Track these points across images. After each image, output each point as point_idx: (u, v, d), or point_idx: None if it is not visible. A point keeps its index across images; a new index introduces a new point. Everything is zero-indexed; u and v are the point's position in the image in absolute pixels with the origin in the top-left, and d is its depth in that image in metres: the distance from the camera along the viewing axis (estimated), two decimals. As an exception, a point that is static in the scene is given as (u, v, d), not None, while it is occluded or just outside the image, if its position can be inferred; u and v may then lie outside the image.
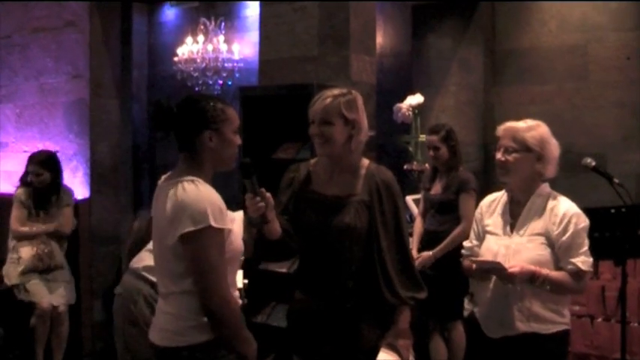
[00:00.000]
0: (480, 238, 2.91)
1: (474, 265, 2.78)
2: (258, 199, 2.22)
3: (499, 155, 2.79)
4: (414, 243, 4.45)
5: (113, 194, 5.82)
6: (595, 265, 3.61)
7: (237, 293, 2.26)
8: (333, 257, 2.42)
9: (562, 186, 2.95)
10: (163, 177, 2.32)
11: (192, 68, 6.93)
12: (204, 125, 2.14)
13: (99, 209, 5.71)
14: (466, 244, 2.97)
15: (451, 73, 6.37)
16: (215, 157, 2.16)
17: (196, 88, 6.86)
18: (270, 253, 2.49)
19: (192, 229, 2.00)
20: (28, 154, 5.25)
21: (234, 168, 2.24)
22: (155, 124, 2.21)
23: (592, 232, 2.76)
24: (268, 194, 2.27)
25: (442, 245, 4.30)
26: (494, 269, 2.68)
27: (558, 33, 6.13)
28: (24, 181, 5.12)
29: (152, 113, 2.18)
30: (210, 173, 2.19)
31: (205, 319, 2.07)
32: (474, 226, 2.96)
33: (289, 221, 2.46)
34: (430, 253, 4.26)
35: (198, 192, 2.05)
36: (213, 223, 2.01)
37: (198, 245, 2.01)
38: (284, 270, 4.15)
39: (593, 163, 3.43)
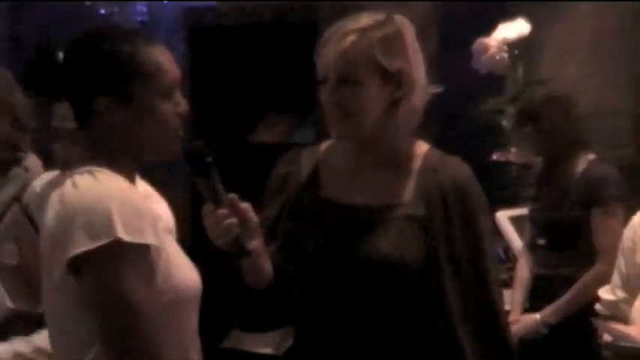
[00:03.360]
0: (631, 287, 2.63)
1: (611, 338, 2.50)
2: (222, 211, 1.90)
3: None
4: (513, 295, 3.82)
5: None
6: None
7: None
8: (359, 315, 2.09)
9: None
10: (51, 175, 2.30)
11: None
12: (100, 89, 1.84)
13: None
14: (605, 294, 2.68)
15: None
16: (128, 139, 1.86)
17: (101, 11, 5.80)
18: (251, 314, 2.37)
19: (86, 248, 1.69)
20: None
21: (178, 157, 1.90)
22: (34, 84, 2.05)
23: None
24: (245, 204, 1.94)
25: (560, 303, 3.62)
26: None
27: None
28: None
29: (27, 67, 2.07)
30: (130, 164, 1.88)
31: None
32: (620, 263, 2.68)
33: (282, 253, 2.12)
34: (537, 316, 3.63)
35: (97, 187, 1.77)
36: (122, 235, 1.69)
37: (101, 275, 1.71)
38: (268, 350, 3.80)
39: None
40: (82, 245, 1.74)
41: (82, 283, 1.77)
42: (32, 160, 4.32)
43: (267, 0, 3.97)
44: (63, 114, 2.58)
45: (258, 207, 2.11)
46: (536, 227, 3.67)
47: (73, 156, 2.50)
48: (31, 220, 2.62)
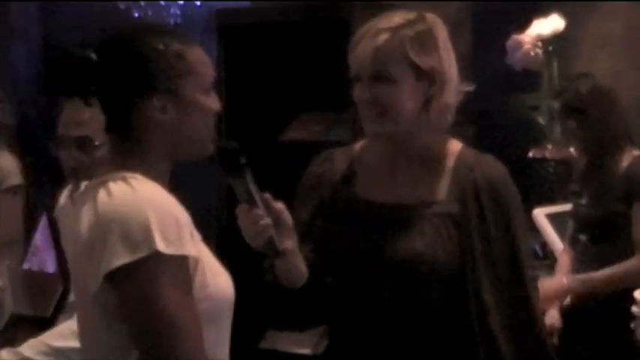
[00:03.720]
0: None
1: None
2: (258, 211, 1.91)
3: None
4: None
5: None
6: None
7: None
8: (394, 314, 2.11)
9: None
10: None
11: None
12: (149, 86, 1.80)
13: None
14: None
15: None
16: (171, 138, 1.84)
17: (135, 14, 5.76)
18: (286, 314, 2.27)
19: (125, 260, 1.67)
20: None
21: (208, 156, 1.90)
22: (60, 86, 1.89)
23: None
24: (279, 204, 1.94)
25: (590, 276, 3.55)
26: None
27: None
28: None
29: (52, 68, 1.91)
30: (164, 166, 1.86)
31: None
32: None
33: (317, 253, 2.13)
34: (564, 280, 3.60)
35: (133, 196, 1.74)
36: (162, 247, 1.67)
37: (140, 289, 1.69)
38: (307, 351, 3.77)
39: None
40: (121, 258, 1.74)
41: (120, 296, 1.76)
42: (4, 159, 4.25)
43: (302, 2, 3.95)
44: (68, 121, 2.55)
45: (290, 206, 2.12)
46: (578, 223, 3.66)
47: (81, 163, 2.50)
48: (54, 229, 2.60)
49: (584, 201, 3.61)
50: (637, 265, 3.42)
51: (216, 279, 1.87)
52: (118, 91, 1.84)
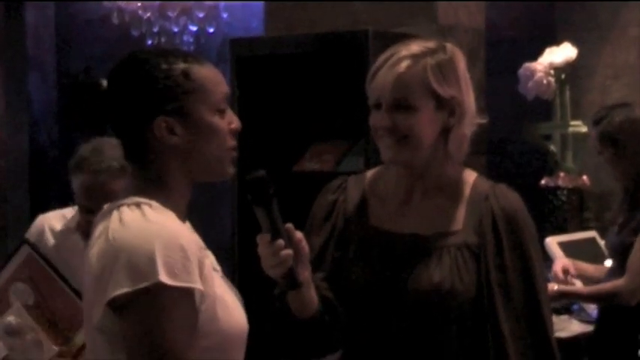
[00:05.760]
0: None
1: None
2: (280, 242, 1.89)
3: None
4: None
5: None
6: None
7: None
8: (411, 346, 2.10)
9: None
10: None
11: (139, 4, 5.49)
12: (155, 106, 1.77)
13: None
14: None
15: (630, 5, 5.21)
16: (184, 160, 1.81)
17: (149, 41, 5.58)
18: (297, 344, 2.18)
19: (127, 289, 1.66)
20: None
21: (227, 178, 1.89)
22: (77, 115, 2.06)
23: None
24: (300, 234, 1.95)
25: (582, 290, 3.68)
26: None
27: None
28: None
29: (72, 99, 2.14)
30: (183, 189, 1.84)
31: None
32: None
33: (329, 282, 2.13)
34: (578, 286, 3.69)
35: (143, 224, 1.72)
36: (164, 279, 1.66)
37: (142, 319, 1.67)
38: None
39: None
40: (123, 286, 1.72)
41: (121, 325, 1.75)
42: None
43: (314, 31, 3.90)
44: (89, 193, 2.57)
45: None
46: (607, 248, 3.68)
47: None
48: (45, 259, 2.64)
49: (615, 229, 3.61)
50: (622, 287, 3.46)
51: (227, 313, 1.85)
52: (127, 115, 1.83)
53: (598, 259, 3.98)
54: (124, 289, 1.69)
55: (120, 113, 1.84)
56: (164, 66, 1.82)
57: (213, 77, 1.88)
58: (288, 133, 3.82)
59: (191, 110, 1.83)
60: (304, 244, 1.97)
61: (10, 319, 2.87)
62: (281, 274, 1.94)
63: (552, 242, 3.97)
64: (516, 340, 2.10)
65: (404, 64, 2.08)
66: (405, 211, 2.16)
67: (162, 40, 5.45)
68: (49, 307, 3.08)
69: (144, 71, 1.82)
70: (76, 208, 2.86)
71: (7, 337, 2.88)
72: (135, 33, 5.52)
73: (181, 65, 1.84)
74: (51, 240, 2.91)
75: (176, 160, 1.84)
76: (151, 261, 1.70)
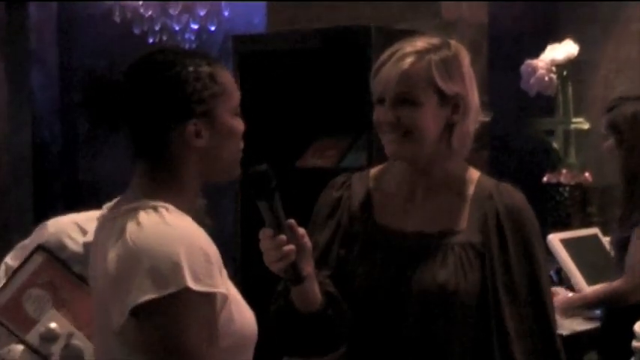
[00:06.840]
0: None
1: None
2: (283, 236, 1.89)
3: None
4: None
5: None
6: None
7: None
8: (414, 343, 2.08)
9: None
10: (105, 208, 2.16)
11: (141, 3, 5.48)
12: (185, 109, 1.76)
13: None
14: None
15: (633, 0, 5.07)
16: (204, 162, 1.81)
17: (150, 40, 5.52)
18: (300, 340, 2.14)
19: (153, 296, 1.64)
20: None
21: (233, 178, 1.90)
22: (90, 114, 1.81)
23: None
24: (302, 230, 1.94)
25: (586, 294, 3.71)
26: None
27: None
28: None
29: (85, 94, 1.81)
30: (194, 190, 1.84)
31: None
32: None
33: (333, 280, 2.10)
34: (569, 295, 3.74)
35: (164, 229, 1.70)
36: (191, 284, 1.65)
37: (166, 325, 1.65)
38: None
39: None
40: (148, 293, 1.70)
41: (144, 330, 1.73)
42: None
43: (316, 27, 3.93)
44: None
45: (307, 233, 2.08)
46: (613, 244, 3.70)
47: None
48: (64, 264, 2.64)
49: (617, 224, 3.62)
50: (621, 287, 3.49)
51: (241, 315, 1.85)
52: (153, 116, 1.80)
53: (600, 255, 3.95)
54: (150, 296, 1.68)
55: (145, 114, 1.81)
56: (191, 68, 1.81)
57: (232, 81, 1.88)
58: (290, 129, 3.81)
59: (216, 113, 1.83)
60: (306, 240, 1.95)
61: (52, 325, 2.87)
62: (284, 269, 1.94)
63: (555, 239, 3.95)
64: (521, 338, 2.10)
65: (408, 60, 2.08)
66: (409, 209, 2.16)
67: (164, 37, 5.45)
68: (70, 312, 3.07)
69: (173, 73, 1.80)
70: (87, 213, 2.81)
71: (46, 344, 2.89)
72: (136, 31, 5.49)
73: (207, 68, 1.83)
74: (75, 248, 2.83)
75: (195, 163, 1.83)
76: (177, 266, 1.69)
